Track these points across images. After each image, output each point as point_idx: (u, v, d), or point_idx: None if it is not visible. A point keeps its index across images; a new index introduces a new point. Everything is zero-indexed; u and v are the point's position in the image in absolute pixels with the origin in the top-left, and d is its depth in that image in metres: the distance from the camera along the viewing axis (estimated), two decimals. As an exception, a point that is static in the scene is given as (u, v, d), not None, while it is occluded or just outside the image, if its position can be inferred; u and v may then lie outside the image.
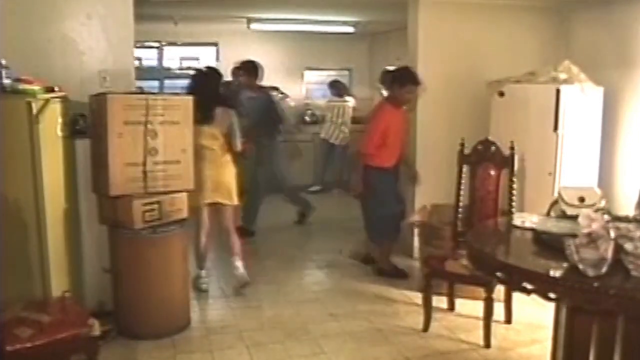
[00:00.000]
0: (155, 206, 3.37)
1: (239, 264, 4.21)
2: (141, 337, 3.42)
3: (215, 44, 8.14)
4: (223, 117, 4.05)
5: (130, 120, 3.28)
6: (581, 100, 4.22)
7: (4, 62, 2.94)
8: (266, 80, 7.92)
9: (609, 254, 2.10)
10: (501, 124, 4.40)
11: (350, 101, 7.84)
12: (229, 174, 4.16)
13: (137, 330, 3.45)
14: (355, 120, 8.26)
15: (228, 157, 4.15)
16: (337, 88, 7.90)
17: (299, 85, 8.53)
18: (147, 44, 7.69)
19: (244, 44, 7.99)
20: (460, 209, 3.83)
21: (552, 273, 2.15)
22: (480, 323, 3.41)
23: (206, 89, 4.02)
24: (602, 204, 2.92)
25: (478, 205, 3.76)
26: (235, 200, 4.23)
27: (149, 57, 7.92)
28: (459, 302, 3.91)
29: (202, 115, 3.80)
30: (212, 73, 4.30)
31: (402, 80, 4.38)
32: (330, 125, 7.74)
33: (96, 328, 2.76)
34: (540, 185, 4.17)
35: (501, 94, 4.47)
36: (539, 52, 5.00)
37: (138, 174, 3.32)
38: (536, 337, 3.50)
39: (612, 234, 2.15)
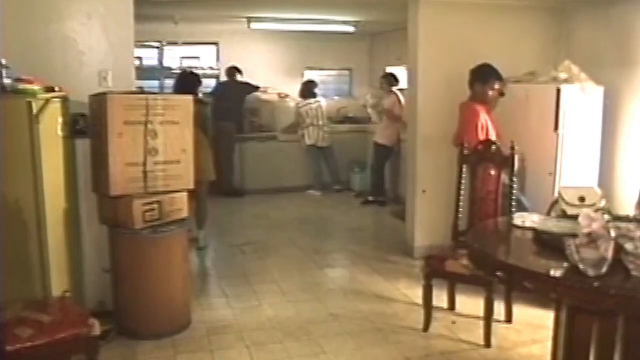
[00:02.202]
0: (155, 206, 3.37)
1: (202, 235, 5.30)
2: (141, 337, 3.42)
3: (215, 44, 8.14)
4: (199, 110, 4.65)
5: (130, 120, 3.28)
6: (581, 100, 4.22)
7: (4, 62, 2.94)
8: (266, 80, 7.97)
9: (609, 253, 2.10)
10: (501, 124, 4.39)
11: (322, 101, 7.74)
12: (206, 155, 5.05)
13: (137, 330, 3.45)
14: (353, 120, 8.29)
15: (205, 142, 4.98)
16: (311, 89, 7.69)
17: (299, 85, 8.52)
18: (147, 44, 7.69)
19: (244, 44, 8.00)
20: (460, 209, 3.83)
21: (552, 273, 2.15)
22: (481, 323, 3.42)
23: (188, 87, 4.99)
24: (602, 203, 2.92)
25: (478, 205, 3.76)
26: (212, 176, 5.26)
27: (149, 57, 7.91)
28: (459, 302, 3.91)
29: None
30: (192, 75, 5.79)
31: (484, 77, 4.20)
32: (313, 129, 7.57)
33: (96, 328, 2.76)
34: (540, 185, 4.17)
35: (501, 94, 4.47)
36: (539, 52, 5.00)
37: (138, 174, 3.32)
38: (536, 337, 3.50)
39: (612, 233, 2.15)
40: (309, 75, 8.48)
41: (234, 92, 7.55)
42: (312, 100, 7.61)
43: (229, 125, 7.34)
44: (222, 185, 7.23)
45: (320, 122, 7.58)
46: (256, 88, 7.73)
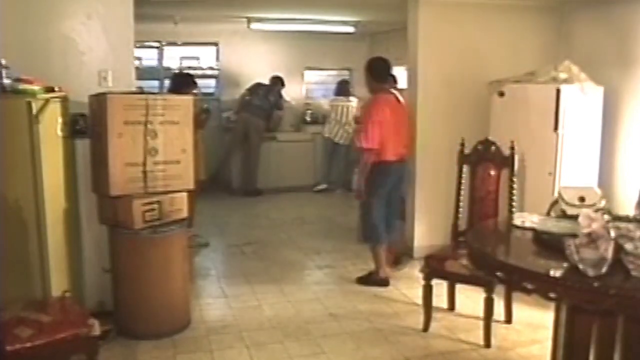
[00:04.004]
0: (155, 206, 3.37)
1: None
2: (141, 337, 3.42)
3: (215, 44, 8.14)
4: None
5: (130, 120, 3.28)
6: (581, 100, 4.22)
7: (4, 62, 2.94)
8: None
9: (609, 254, 2.09)
10: (501, 124, 4.39)
11: (354, 102, 7.83)
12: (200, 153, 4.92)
13: (137, 330, 3.45)
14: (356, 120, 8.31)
15: (198, 139, 4.81)
16: (343, 88, 7.89)
17: (299, 85, 8.54)
18: (147, 44, 7.69)
19: (244, 44, 8.01)
20: (460, 209, 3.83)
21: (552, 273, 2.14)
22: (480, 323, 3.42)
23: (181, 87, 5.06)
24: (602, 204, 2.91)
25: (478, 205, 3.76)
26: (202, 175, 5.04)
27: (149, 57, 7.91)
28: (459, 302, 3.91)
29: None
30: (187, 75, 5.90)
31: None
32: (334, 125, 7.73)
33: (96, 328, 2.76)
34: (540, 185, 4.17)
35: (501, 94, 4.47)
36: (539, 52, 5.00)
37: (138, 174, 3.32)
38: (536, 337, 3.50)
39: (612, 234, 2.15)
40: (309, 75, 8.60)
41: (272, 95, 7.65)
42: (343, 98, 7.78)
43: (259, 123, 7.50)
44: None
45: (343, 120, 7.71)
46: (281, 107, 7.86)
